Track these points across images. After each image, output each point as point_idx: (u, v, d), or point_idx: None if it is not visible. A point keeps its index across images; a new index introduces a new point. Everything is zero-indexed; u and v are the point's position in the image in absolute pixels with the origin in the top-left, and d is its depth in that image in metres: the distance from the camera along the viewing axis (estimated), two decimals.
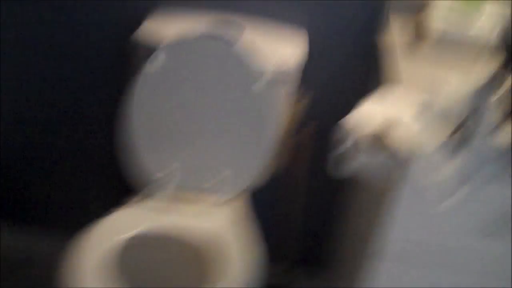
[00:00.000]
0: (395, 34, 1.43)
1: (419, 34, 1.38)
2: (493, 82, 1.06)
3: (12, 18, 1.62)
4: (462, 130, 1.02)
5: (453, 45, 1.31)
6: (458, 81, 1.13)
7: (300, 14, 1.53)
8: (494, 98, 1.03)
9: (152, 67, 1.42)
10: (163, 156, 1.51)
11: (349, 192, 1.69)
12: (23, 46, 1.66)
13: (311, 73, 1.58)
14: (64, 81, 1.70)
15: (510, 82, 1.07)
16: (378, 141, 1.06)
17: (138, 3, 1.55)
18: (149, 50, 1.43)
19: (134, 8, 1.55)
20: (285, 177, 1.72)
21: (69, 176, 1.87)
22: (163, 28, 1.48)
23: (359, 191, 1.55)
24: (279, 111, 1.50)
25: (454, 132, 1.03)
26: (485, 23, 1.31)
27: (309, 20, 1.53)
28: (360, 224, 1.46)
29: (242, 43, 1.41)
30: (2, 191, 1.92)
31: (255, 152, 1.49)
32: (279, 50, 1.48)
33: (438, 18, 1.33)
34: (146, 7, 1.55)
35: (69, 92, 1.72)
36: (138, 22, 1.52)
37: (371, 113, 1.08)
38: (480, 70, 1.20)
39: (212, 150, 1.50)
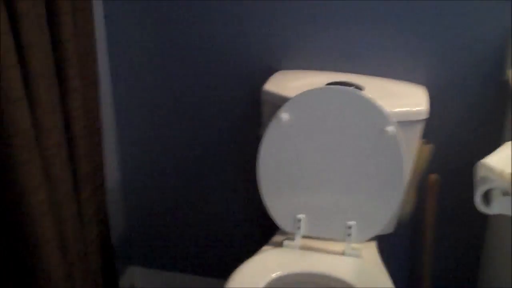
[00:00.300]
0: None
1: None
2: None
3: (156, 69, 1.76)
4: None
5: None
6: None
7: (420, 71, 1.59)
8: None
9: (283, 117, 1.47)
10: (293, 202, 1.54)
11: (493, 229, 1.66)
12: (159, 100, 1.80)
13: (434, 124, 1.61)
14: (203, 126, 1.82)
15: None
16: None
17: (269, 57, 1.67)
18: (277, 100, 1.52)
19: (266, 61, 1.67)
20: (416, 220, 1.73)
21: (211, 220, 1.95)
22: (289, 80, 1.59)
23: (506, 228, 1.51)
24: (408, 156, 1.51)
25: None
26: None
27: (428, 75, 1.59)
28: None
29: (366, 91, 1.45)
30: (149, 239, 2.03)
31: (386, 197, 1.49)
32: (403, 99, 1.52)
33: None
34: (275, 61, 1.66)
35: (208, 134, 1.83)
36: (268, 73, 1.64)
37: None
38: None
39: (343, 197, 1.51)
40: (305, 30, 1.61)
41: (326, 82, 1.53)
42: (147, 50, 1.73)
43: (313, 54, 1.63)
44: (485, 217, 1.66)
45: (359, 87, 1.50)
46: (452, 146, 1.65)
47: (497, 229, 1.60)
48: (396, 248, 1.79)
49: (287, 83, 1.58)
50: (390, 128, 1.42)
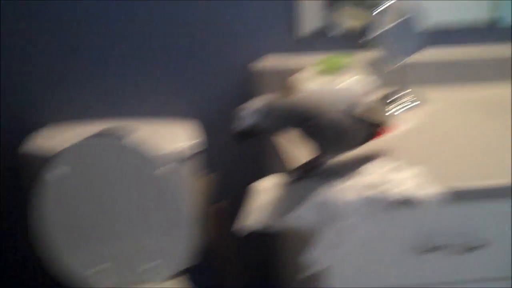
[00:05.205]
0: None
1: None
2: None
3: None
4: None
5: None
6: None
7: (191, 107, 1.63)
8: None
9: (53, 174, 1.45)
10: (87, 255, 1.53)
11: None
12: None
13: (212, 154, 1.66)
14: None
15: None
16: None
17: (29, 115, 1.60)
18: (41, 160, 1.48)
19: (25, 121, 1.60)
20: (215, 247, 1.76)
21: None
22: (54, 138, 1.55)
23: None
24: (188, 192, 1.56)
25: None
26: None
27: (200, 110, 1.64)
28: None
29: (134, 137, 1.47)
30: None
31: (175, 235, 1.53)
32: (175, 137, 1.56)
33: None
34: (37, 120, 1.61)
35: None
36: (28, 134, 1.57)
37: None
38: None
39: (135, 241, 1.53)
40: (68, 80, 1.58)
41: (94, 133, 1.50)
42: None
43: (80, 104, 1.61)
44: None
45: (128, 133, 1.51)
46: (234, 172, 1.71)
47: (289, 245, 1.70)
48: (203, 277, 1.81)
49: (54, 140, 1.53)
50: (160, 171, 1.47)
